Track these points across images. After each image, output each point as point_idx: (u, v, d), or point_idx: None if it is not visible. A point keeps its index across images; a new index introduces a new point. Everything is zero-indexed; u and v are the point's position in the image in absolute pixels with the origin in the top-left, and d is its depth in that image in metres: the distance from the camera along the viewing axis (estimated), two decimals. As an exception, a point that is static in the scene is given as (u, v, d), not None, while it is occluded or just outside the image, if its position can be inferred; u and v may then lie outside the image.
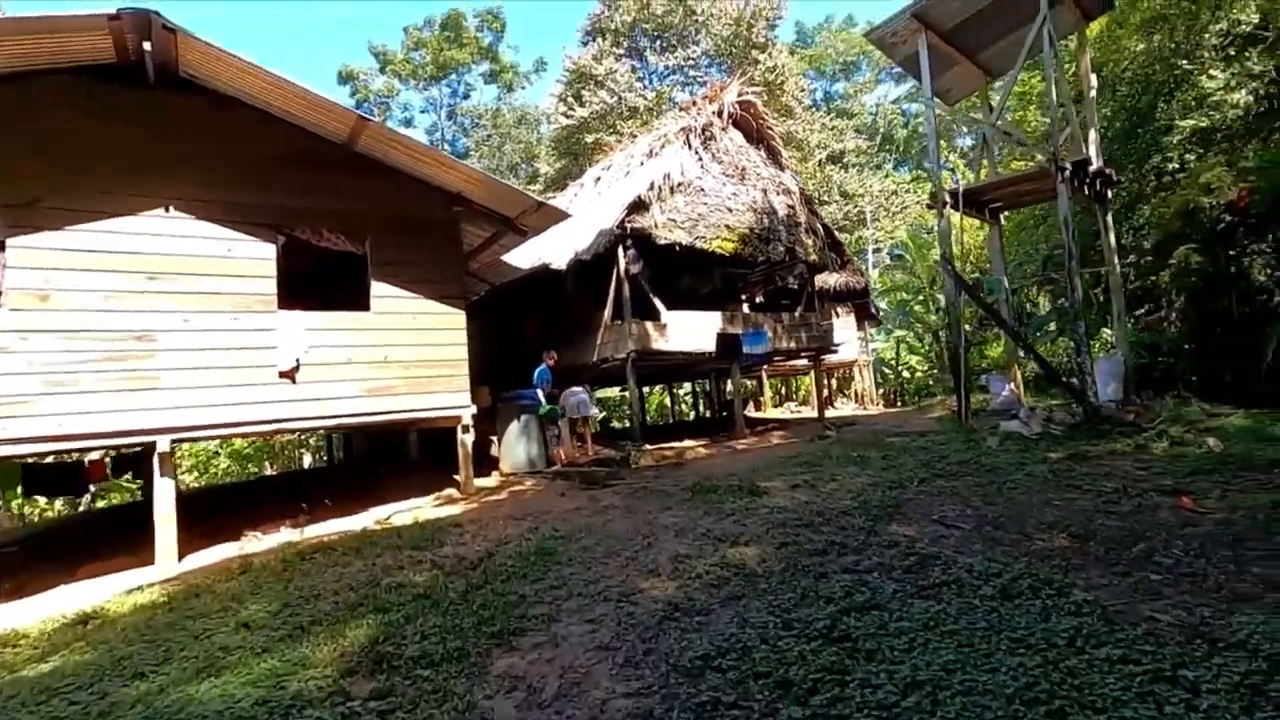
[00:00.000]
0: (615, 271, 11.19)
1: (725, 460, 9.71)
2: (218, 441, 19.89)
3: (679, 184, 11.45)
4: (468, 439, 8.87)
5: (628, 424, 19.73)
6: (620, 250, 11.04)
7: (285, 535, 7.68)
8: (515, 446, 10.12)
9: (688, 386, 24.23)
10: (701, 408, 24.63)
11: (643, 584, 4.38)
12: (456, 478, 9.17)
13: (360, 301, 8.52)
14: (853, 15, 52.21)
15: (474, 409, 8.90)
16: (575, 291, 12.32)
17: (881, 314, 24.05)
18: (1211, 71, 12.11)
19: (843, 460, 8.00)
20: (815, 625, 3.45)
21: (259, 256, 7.61)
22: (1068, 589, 3.77)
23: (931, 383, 21.46)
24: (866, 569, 4.27)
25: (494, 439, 10.76)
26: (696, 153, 11.83)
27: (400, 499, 9.11)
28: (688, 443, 12.22)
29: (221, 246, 7.38)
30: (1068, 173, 8.61)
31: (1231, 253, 10.01)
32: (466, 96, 35.69)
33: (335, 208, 8.39)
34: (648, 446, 11.69)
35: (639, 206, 10.97)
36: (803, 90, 28.60)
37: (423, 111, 38.29)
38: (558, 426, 9.98)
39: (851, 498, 6.03)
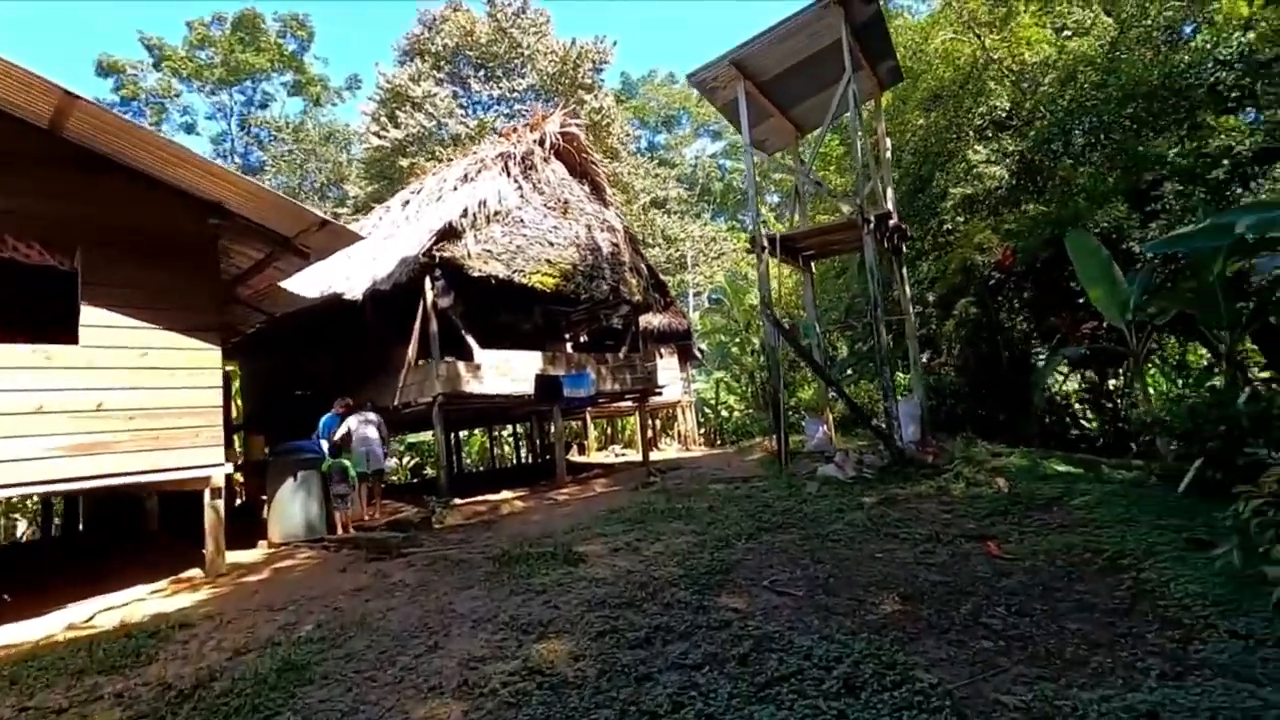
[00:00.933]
0: (422, 305, 9.97)
1: (543, 516, 8.79)
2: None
3: (496, 213, 10.58)
4: (218, 505, 7.09)
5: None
6: (428, 281, 9.86)
7: (-84, 657, 5.45)
8: (290, 509, 8.41)
9: (512, 427, 22.96)
10: (524, 451, 23.45)
11: (418, 711, 3.34)
12: (207, 552, 7.31)
13: (66, 332, 6.55)
14: (674, 73, 55.35)
15: (228, 468, 7.18)
16: (376, 326, 10.86)
17: (702, 355, 24.74)
18: (976, 148, 13.79)
19: (667, 514, 7.46)
20: (637, 766, 2.67)
21: (-109, 266, 5.49)
22: (911, 671, 3.36)
23: (749, 422, 22.25)
24: (697, 662, 3.59)
25: (266, 500, 8.91)
26: (516, 181, 11.08)
27: (124, 586, 7.05)
28: (505, 494, 11.13)
29: None
30: (872, 225, 9.05)
31: (999, 305, 11.25)
32: (264, 106, 31.96)
33: (34, 210, 6.46)
34: (458, 501, 10.42)
35: (451, 234, 9.91)
36: (628, 135, 29.26)
37: (209, 118, 33.70)
38: (346, 483, 8.43)
39: (677, 563, 5.41)
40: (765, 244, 9.83)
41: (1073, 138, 12.33)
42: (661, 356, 18.93)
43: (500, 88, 25.91)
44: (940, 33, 14.83)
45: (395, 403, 10.22)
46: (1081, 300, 9.65)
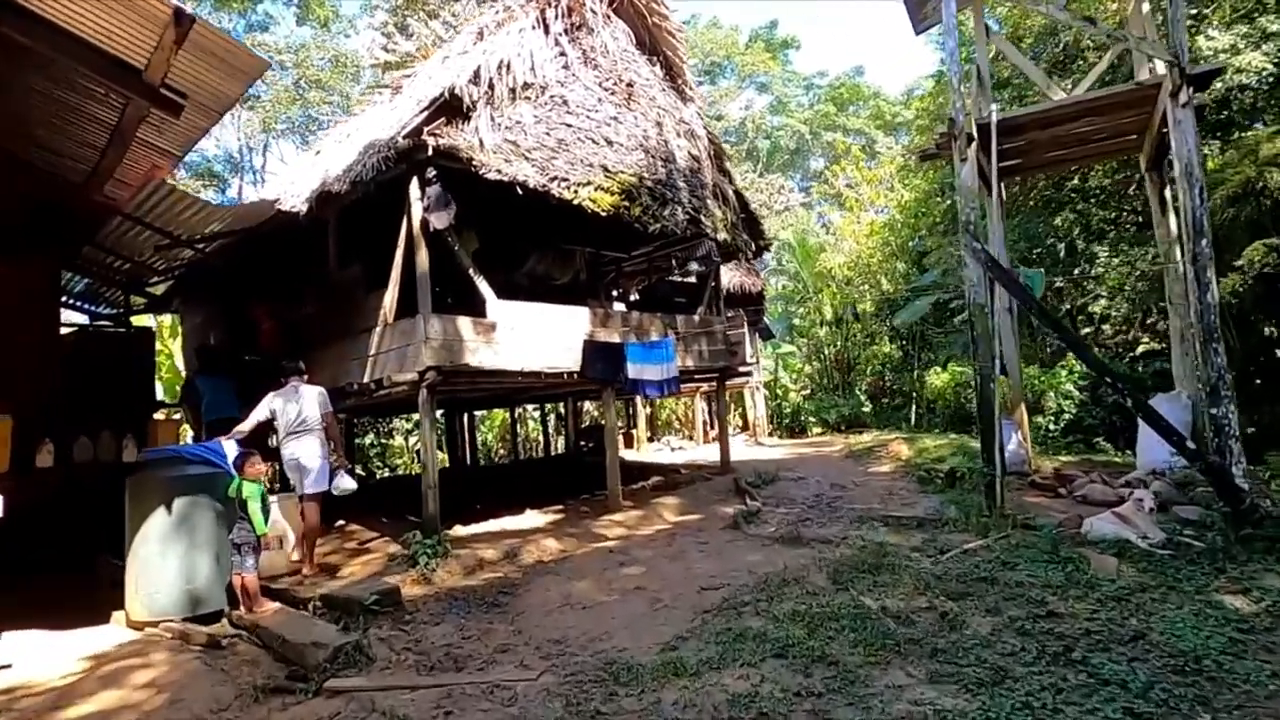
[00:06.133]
0: (406, 223, 6.22)
1: (596, 587, 5.07)
2: None
3: (527, 85, 6.73)
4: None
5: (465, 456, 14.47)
6: (415, 185, 6.10)
7: None
8: (159, 566, 4.81)
9: (540, 406, 19.22)
10: (552, 430, 19.69)
11: None
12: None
13: None
14: (718, 17, 50.14)
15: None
16: (339, 261, 7.16)
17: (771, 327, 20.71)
18: (1209, 33, 9.59)
19: (861, 629, 3.67)
20: None
21: None
22: None
23: (820, 408, 18.30)
24: None
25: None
26: (557, 42, 7.20)
27: None
28: (530, 517, 7.46)
29: None
30: (1190, 92, 5.05)
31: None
32: (265, 29, 28.16)
33: None
34: (459, 531, 6.80)
35: (453, 109, 6.09)
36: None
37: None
38: (249, 527, 4.79)
39: None
40: (973, 134, 5.88)
41: None
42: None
43: None
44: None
45: (365, 379, 6.56)
46: None
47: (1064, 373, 10.38)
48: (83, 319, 9.99)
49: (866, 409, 18.41)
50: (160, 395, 14.70)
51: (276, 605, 4.90)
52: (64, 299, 9.53)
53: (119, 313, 9.86)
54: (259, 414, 5.70)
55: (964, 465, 7.89)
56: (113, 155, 5.24)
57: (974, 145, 5.90)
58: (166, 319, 13.60)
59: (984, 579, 4.33)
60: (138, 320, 14.84)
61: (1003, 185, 7.53)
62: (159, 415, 11.71)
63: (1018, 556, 4.69)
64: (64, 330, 8.92)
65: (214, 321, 9.24)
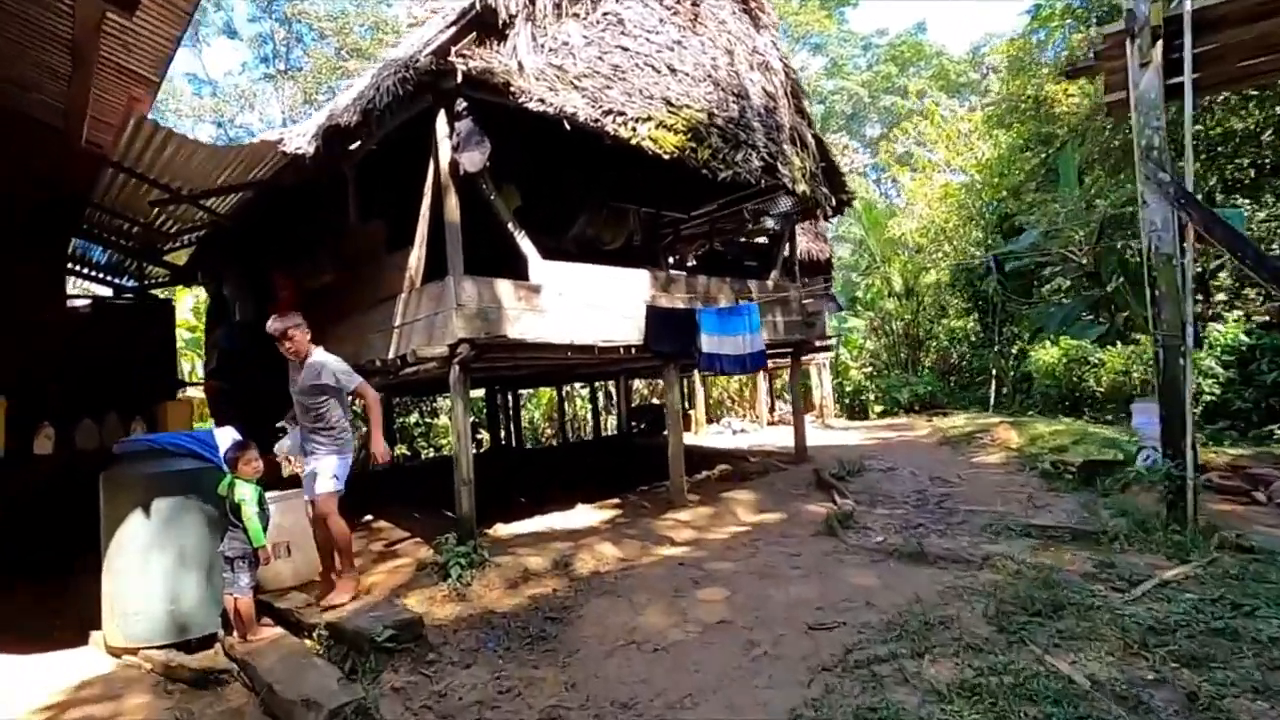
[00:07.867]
0: (433, 166, 5.19)
1: (667, 621, 3.99)
2: None
3: (574, 0, 5.59)
4: None
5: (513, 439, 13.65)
6: (442, 120, 5.04)
7: None
8: (139, 579, 3.96)
9: (589, 385, 18.20)
10: (601, 406, 18.61)
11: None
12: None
13: None
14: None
15: None
16: (360, 218, 6.20)
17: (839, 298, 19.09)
18: None
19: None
20: None
21: None
22: None
23: (893, 387, 16.80)
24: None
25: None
26: (611, -50, 6.04)
27: None
28: (582, 514, 6.47)
29: None
30: None
31: None
32: (306, -1, 27.54)
33: None
34: (500, 531, 5.87)
35: (484, 25, 5.00)
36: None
37: (252, 20, 29.89)
38: (243, 539, 3.88)
39: None
40: (1160, 27, 4.48)
41: None
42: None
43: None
44: None
45: (389, 355, 5.62)
46: None
47: (1204, 347, 8.77)
48: (107, 291, 9.41)
49: (940, 388, 16.93)
50: (200, 373, 14.34)
51: (277, 632, 4.00)
52: (84, 270, 8.94)
53: (142, 285, 9.22)
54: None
55: (1095, 456, 6.56)
56: (79, 80, 4.33)
57: (1159, 45, 4.50)
58: (202, 292, 13.09)
59: (1217, 630, 3.09)
60: (180, 293, 14.38)
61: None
62: (195, 393, 11.20)
63: (1250, 595, 3.41)
64: (80, 303, 8.34)
65: (238, 291, 8.47)
